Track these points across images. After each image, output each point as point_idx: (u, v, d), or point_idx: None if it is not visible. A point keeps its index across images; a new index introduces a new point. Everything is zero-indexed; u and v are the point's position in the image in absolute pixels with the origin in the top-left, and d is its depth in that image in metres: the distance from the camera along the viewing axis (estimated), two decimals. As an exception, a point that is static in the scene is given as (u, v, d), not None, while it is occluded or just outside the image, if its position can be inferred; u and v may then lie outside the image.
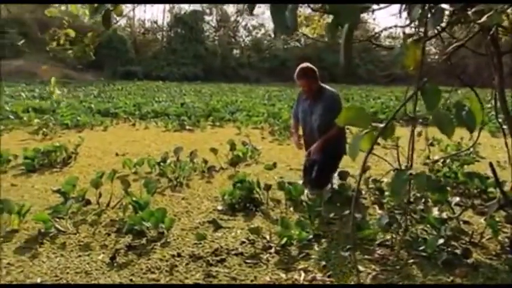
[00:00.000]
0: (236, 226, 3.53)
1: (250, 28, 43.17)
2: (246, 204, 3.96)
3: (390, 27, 4.73)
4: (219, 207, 3.95)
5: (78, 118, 9.48)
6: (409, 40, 1.64)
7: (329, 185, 4.42)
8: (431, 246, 2.99)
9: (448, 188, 4.31)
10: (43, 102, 12.34)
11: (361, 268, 2.83)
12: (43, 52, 25.02)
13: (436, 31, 2.66)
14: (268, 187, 4.08)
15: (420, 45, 1.64)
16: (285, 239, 3.12)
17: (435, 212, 3.41)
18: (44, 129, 8.15)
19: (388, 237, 3.24)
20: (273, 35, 41.21)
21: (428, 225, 3.35)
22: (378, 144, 7.11)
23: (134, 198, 3.64)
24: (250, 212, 3.87)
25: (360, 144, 1.28)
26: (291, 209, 3.98)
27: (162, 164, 5.28)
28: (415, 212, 3.69)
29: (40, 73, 23.99)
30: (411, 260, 2.94)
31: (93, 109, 11.55)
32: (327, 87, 4.61)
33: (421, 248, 3.05)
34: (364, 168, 1.53)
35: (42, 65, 23.77)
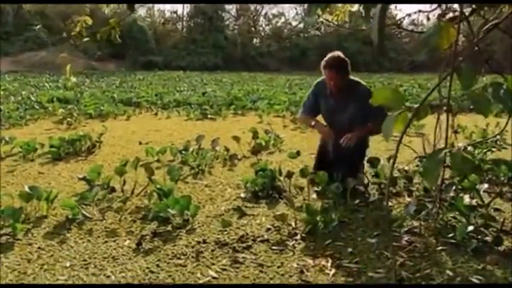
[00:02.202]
0: (261, 213, 3.51)
1: (270, 17, 42.87)
2: (269, 192, 3.94)
3: (415, 13, 4.62)
4: (243, 195, 3.94)
5: (102, 108, 9.55)
6: (444, 19, 1.58)
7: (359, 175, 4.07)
8: (460, 234, 2.92)
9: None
10: (67, 93, 12.50)
11: (388, 255, 2.80)
12: (66, 44, 25.39)
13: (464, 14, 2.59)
14: (290, 174, 4.04)
15: (455, 25, 1.58)
16: (310, 226, 3.10)
17: (466, 199, 3.33)
18: (68, 119, 8.25)
19: (416, 224, 3.19)
20: (293, 24, 40.93)
21: (457, 213, 3.29)
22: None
23: (158, 186, 3.66)
24: (274, 199, 3.85)
25: (393, 125, 1.24)
26: (314, 195, 3.94)
27: (184, 152, 5.29)
28: (445, 200, 3.62)
29: (61, 62, 24.29)
30: (440, 248, 2.89)
31: (115, 99, 11.64)
32: (360, 81, 4.08)
33: (450, 235, 2.99)
34: (396, 155, 1.49)
35: (65, 56, 24.08)
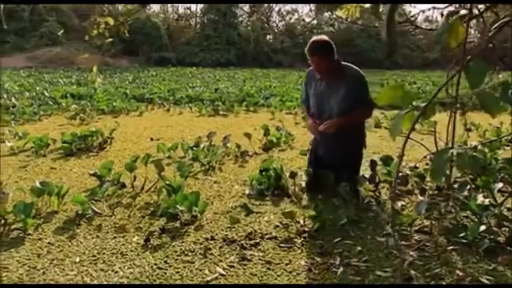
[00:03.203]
0: (268, 210, 3.50)
1: (284, 13, 42.65)
2: (274, 191, 3.89)
3: (429, 10, 4.54)
4: (250, 192, 3.92)
5: (114, 104, 9.59)
6: (454, 18, 1.55)
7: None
8: (472, 233, 2.89)
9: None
10: (80, 88, 12.59)
11: (397, 254, 2.77)
12: (80, 40, 25.64)
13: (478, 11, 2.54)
14: (293, 174, 3.98)
15: (464, 23, 1.55)
16: (318, 224, 3.07)
17: (480, 198, 3.27)
18: (81, 115, 8.29)
19: (428, 223, 3.16)
20: (307, 20, 40.75)
21: (469, 212, 3.24)
22: (413, 129, 6.95)
23: (168, 182, 3.66)
24: (281, 197, 3.82)
25: (401, 124, 1.22)
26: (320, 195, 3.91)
27: (195, 148, 5.29)
28: (457, 198, 3.58)
29: (77, 60, 24.52)
30: (451, 247, 2.85)
31: (128, 95, 11.67)
32: (349, 64, 3.83)
33: (462, 235, 2.94)
34: (402, 154, 1.47)
35: (79, 52, 24.31)
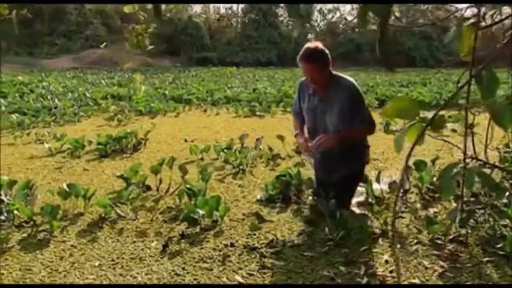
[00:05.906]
0: (291, 217, 3.39)
1: (325, 11, 42.19)
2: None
3: (467, 7, 4.29)
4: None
5: (152, 105, 9.71)
6: (466, 24, 1.44)
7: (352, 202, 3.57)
8: (511, 245, 2.70)
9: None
10: (120, 89, 12.84)
11: (427, 264, 2.63)
12: (123, 41, 26.20)
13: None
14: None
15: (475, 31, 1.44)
16: (343, 232, 2.94)
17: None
18: (119, 116, 8.43)
19: (463, 232, 2.98)
20: (349, 18, 40.19)
21: (508, 221, 3.05)
22: (454, 131, 6.68)
23: (188, 186, 3.60)
24: (305, 203, 3.68)
25: (405, 137, 1.12)
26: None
27: (226, 150, 5.25)
28: (495, 206, 3.38)
29: (120, 61, 25.11)
30: (486, 259, 2.68)
31: (167, 95, 11.79)
32: (342, 75, 3.46)
33: (499, 245, 2.76)
34: (406, 167, 1.36)
35: (122, 53, 24.88)
